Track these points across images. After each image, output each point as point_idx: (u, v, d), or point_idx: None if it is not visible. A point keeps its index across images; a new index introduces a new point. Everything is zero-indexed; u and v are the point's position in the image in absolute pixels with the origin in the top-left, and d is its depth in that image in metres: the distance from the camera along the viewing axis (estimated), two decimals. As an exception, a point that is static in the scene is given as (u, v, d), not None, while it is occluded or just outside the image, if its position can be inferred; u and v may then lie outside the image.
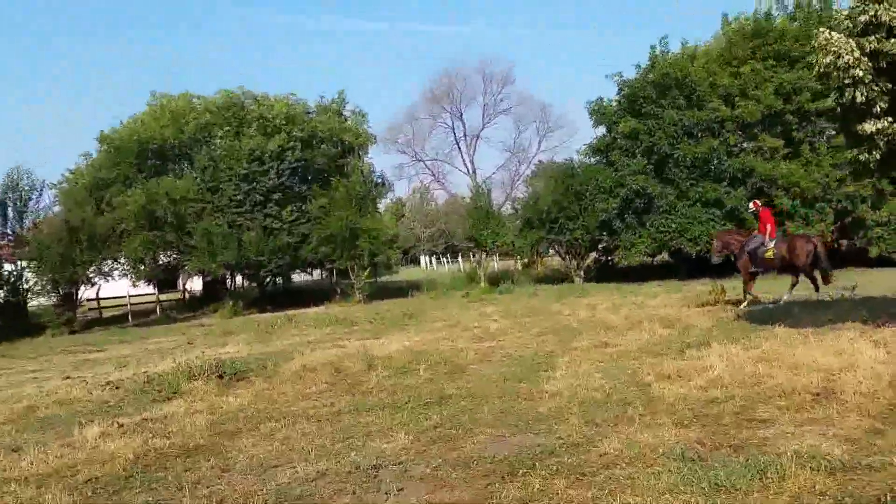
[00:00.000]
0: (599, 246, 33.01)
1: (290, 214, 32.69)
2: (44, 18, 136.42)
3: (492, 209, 34.39)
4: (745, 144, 30.48)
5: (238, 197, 32.23)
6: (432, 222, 62.86)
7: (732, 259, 16.85)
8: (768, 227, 15.70)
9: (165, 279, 39.16)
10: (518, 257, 37.68)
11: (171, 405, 9.56)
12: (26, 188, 32.62)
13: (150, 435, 7.86)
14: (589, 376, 8.92)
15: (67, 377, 13.89)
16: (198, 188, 32.55)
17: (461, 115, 52.30)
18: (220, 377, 11.18)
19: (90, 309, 33.71)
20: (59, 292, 29.20)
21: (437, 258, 65.55)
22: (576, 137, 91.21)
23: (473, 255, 41.11)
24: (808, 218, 28.39)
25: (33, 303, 30.88)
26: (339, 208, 31.61)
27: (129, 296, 34.94)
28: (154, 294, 37.60)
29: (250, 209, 32.26)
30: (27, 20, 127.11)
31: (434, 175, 52.14)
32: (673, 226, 29.03)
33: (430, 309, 22.87)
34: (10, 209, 32.38)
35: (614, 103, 32.84)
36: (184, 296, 40.01)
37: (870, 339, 9.61)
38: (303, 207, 33.23)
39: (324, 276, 46.78)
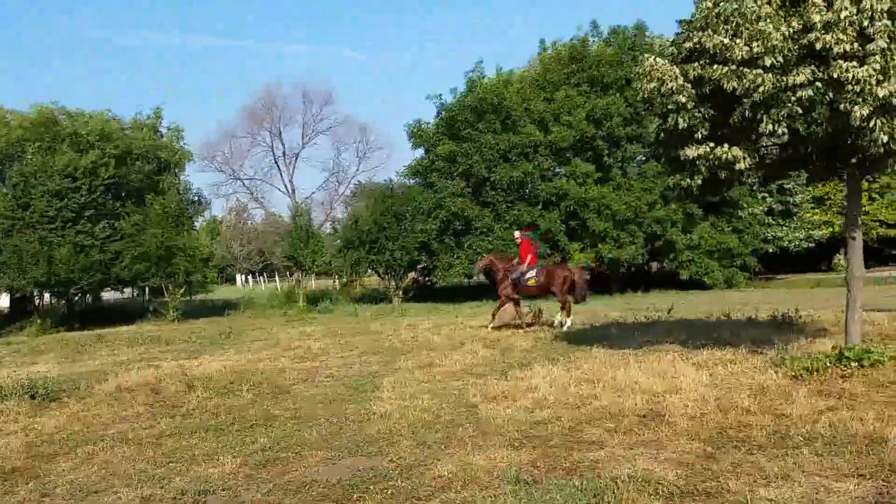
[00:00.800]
0: (418, 266, 32.91)
1: (103, 231, 30.50)
2: None
3: (311, 229, 33.50)
4: (558, 169, 31.34)
5: (50, 213, 29.63)
6: (249, 241, 60.74)
7: (491, 282, 17.67)
8: (529, 256, 16.31)
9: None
10: (337, 277, 36.99)
11: None
12: None
13: None
14: (416, 397, 8.79)
15: None
16: (8, 204, 29.62)
17: (280, 133, 51.18)
18: (33, 397, 10.29)
19: None
20: None
21: (254, 277, 63.31)
22: (395, 158, 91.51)
23: (291, 275, 40.03)
24: (618, 240, 29.63)
25: None
26: (155, 226, 29.85)
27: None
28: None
29: (62, 226, 29.73)
30: None
31: (252, 194, 50.47)
32: (489, 247, 29.23)
33: (248, 328, 21.98)
34: None
35: (433, 126, 32.94)
36: (-10, 313, 36.04)
37: (690, 362, 9.61)
38: (116, 225, 31.14)
39: (135, 293, 43.92)
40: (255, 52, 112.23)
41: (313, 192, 53.05)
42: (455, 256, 30.45)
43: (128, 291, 42.99)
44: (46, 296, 33.51)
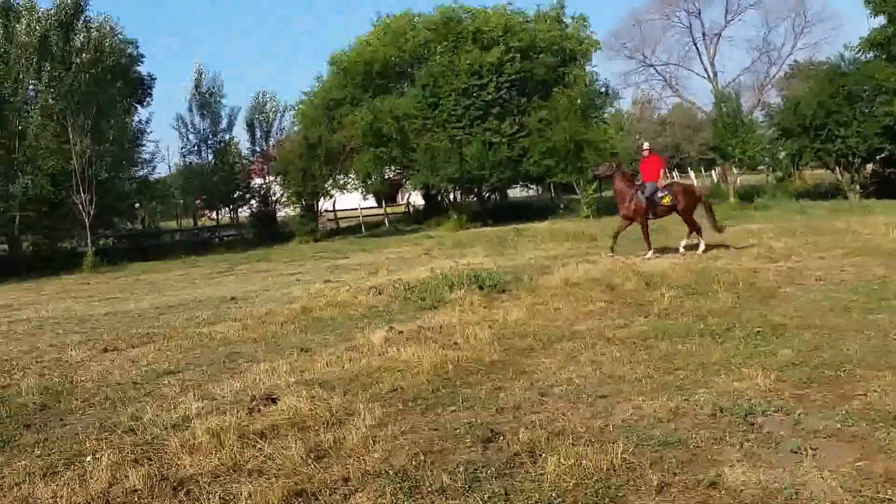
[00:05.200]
0: (878, 157, 28.59)
1: (510, 128, 31.72)
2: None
3: (740, 117, 30.55)
4: None
5: (458, 112, 31.68)
6: (658, 134, 58.19)
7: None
8: (662, 172, 14.72)
9: (388, 194, 40.02)
10: (770, 171, 33.56)
11: (441, 314, 8.98)
12: (271, 110, 34.24)
13: (437, 345, 7.10)
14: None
15: (328, 281, 14.16)
16: (419, 105, 32.36)
17: (699, 12, 46.82)
18: (481, 288, 10.55)
19: (328, 220, 35.06)
20: (302, 204, 30.48)
21: (666, 173, 60.58)
22: (841, 32, 79.08)
23: (712, 169, 37.21)
24: None
25: (280, 213, 32.80)
26: (562, 120, 29.93)
27: (361, 208, 36.06)
28: (382, 208, 38.62)
29: (470, 124, 31.70)
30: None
31: (666, 81, 47.20)
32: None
33: (677, 225, 20.72)
34: (257, 129, 34.27)
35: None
36: (408, 209, 40.68)
37: None
38: (522, 121, 32.08)
39: (539, 191, 45.66)
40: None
41: (738, 76, 48.02)
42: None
43: (531, 190, 45.08)
44: (455, 194, 36.31)
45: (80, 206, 23.55)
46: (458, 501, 3.59)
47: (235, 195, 34.28)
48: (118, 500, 4.02)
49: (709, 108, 38.56)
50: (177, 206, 37.31)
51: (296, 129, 34.93)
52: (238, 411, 5.31)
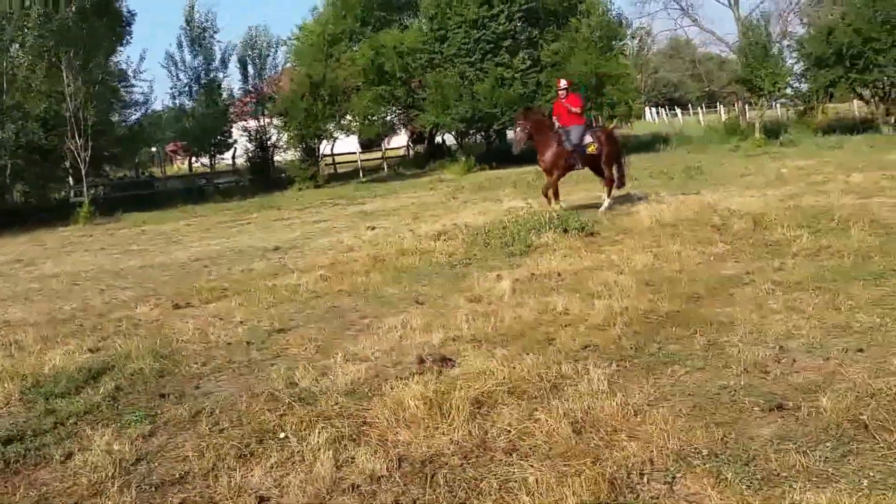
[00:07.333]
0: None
1: (522, 62, 30.34)
2: None
3: (770, 46, 29.21)
4: None
5: (468, 45, 30.24)
6: (655, 70, 56.51)
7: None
8: (577, 113, 12.94)
9: (373, 140, 38.79)
10: (791, 105, 32.60)
11: (545, 260, 8.41)
12: (263, 45, 32.53)
13: (579, 294, 6.59)
14: None
15: (371, 227, 13.55)
16: (425, 38, 30.87)
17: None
18: (565, 231, 9.97)
19: (326, 165, 33.91)
20: (303, 147, 29.19)
21: (667, 110, 59.12)
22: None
23: (718, 105, 35.76)
24: None
25: (276, 158, 31.44)
26: (579, 52, 28.70)
27: (360, 153, 34.98)
28: (381, 151, 37.71)
29: (480, 58, 30.27)
30: None
31: (683, 10, 44.45)
32: None
33: (709, 164, 20.09)
34: (249, 66, 32.53)
35: None
36: (408, 153, 39.54)
37: None
38: (535, 54, 30.76)
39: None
40: None
41: (761, 2, 45.02)
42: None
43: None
44: (455, 137, 35.10)
45: (75, 153, 22.31)
46: (826, 489, 2.95)
47: (217, 140, 32.56)
48: (365, 488, 3.40)
49: (730, 39, 36.78)
50: (156, 153, 35.89)
51: (288, 65, 33.38)
52: (422, 375, 4.71)
